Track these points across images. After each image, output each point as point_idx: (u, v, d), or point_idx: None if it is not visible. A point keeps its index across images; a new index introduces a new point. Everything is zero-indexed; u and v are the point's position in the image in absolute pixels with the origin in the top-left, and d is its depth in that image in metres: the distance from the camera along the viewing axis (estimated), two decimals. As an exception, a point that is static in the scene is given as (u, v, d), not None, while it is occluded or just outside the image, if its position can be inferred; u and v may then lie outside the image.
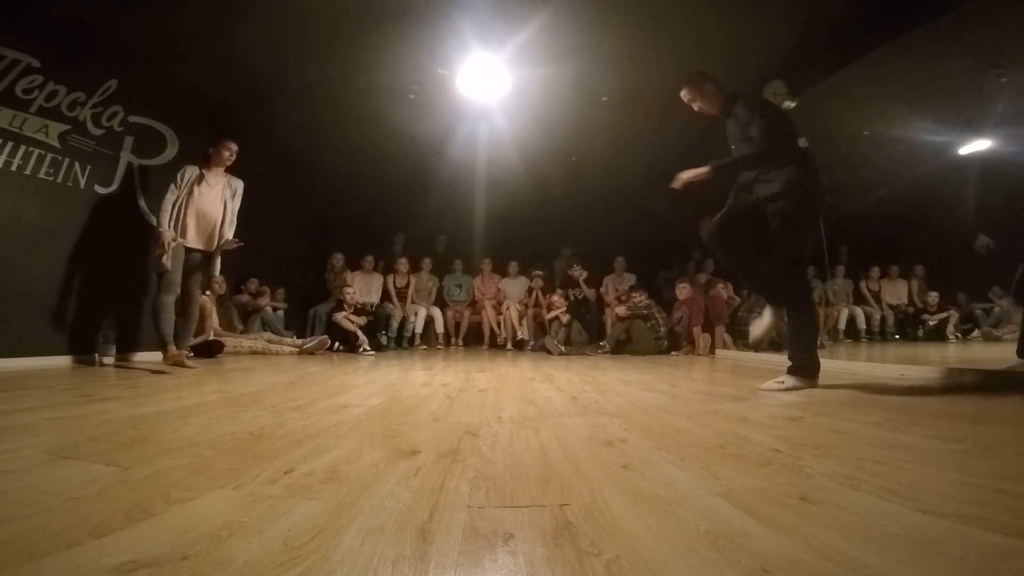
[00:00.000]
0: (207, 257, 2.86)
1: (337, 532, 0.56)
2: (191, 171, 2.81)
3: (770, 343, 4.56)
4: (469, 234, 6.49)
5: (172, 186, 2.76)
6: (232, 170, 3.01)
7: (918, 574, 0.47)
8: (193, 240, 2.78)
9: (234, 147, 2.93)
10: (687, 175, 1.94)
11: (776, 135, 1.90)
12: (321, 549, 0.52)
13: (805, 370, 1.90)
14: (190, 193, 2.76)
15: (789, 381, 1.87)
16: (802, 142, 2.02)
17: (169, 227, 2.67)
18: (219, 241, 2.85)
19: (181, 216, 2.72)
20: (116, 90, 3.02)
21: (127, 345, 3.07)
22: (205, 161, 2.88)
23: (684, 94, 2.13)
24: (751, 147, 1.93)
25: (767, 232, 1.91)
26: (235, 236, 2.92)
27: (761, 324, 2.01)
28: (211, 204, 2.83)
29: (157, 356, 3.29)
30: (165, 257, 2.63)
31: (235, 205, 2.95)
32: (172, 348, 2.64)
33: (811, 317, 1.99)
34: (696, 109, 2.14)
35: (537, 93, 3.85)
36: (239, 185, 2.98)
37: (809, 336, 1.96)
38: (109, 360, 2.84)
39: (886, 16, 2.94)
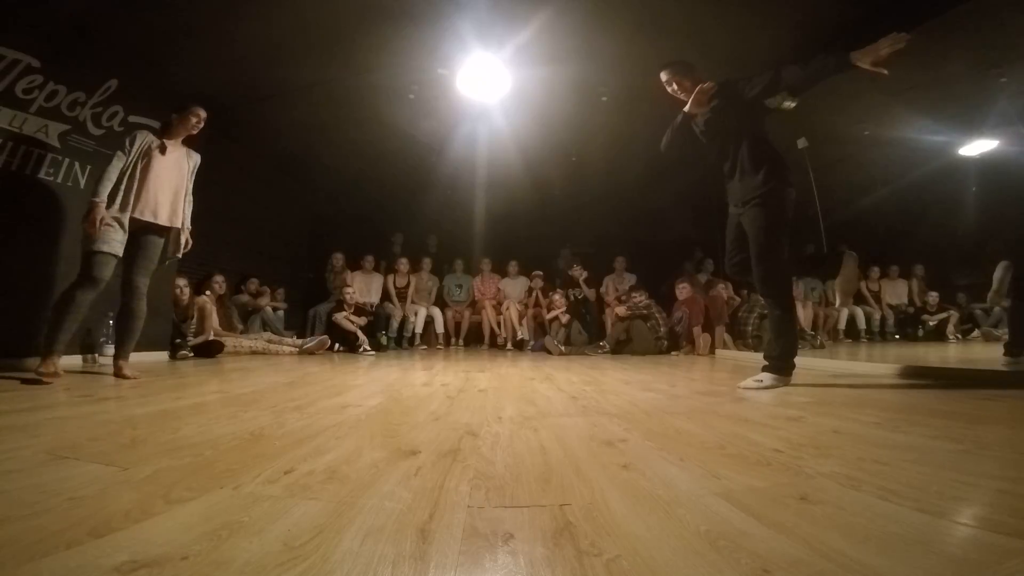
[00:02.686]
0: (165, 236, 2.46)
1: (337, 532, 0.56)
2: (145, 137, 2.38)
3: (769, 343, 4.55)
4: (469, 234, 6.50)
5: (119, 152, 2.30)
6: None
7: (918, 574, 0.47)
8: (148, 213, 2.35)
9: (203, 114, 2.52)
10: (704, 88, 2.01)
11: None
12: (321, 549, 0.52)
13: (783, 368, 1.94)
14: (147, 162, 2.35)
15: (767, 379, 1.91)
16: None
17: (105, 199, 2.22)
18: (182, 218, 2.48)
19: (133, 187, 2.29)
20: (116, 90, 3.02)
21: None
22: (166, 129, 2.49)
23: (664, 75, 2.15)
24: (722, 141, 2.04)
25: (747, 237, 2.01)
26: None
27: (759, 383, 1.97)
28: (171, 173, 2.44)
29: (159, 356, 3.31)
30: (114, 240, 2.22)
31: (191, 183, 2.56)
32: (55, 359, 2.11)
33: (792, 316, 2.04)
34: (671, 91, 2.16)
35: (537, 93, 3.85)
36: (197, 159, 2.59)
37: (791, 336, 2.00)
38: (108, 360, 2.84)
39: (886, 16, 2.94)
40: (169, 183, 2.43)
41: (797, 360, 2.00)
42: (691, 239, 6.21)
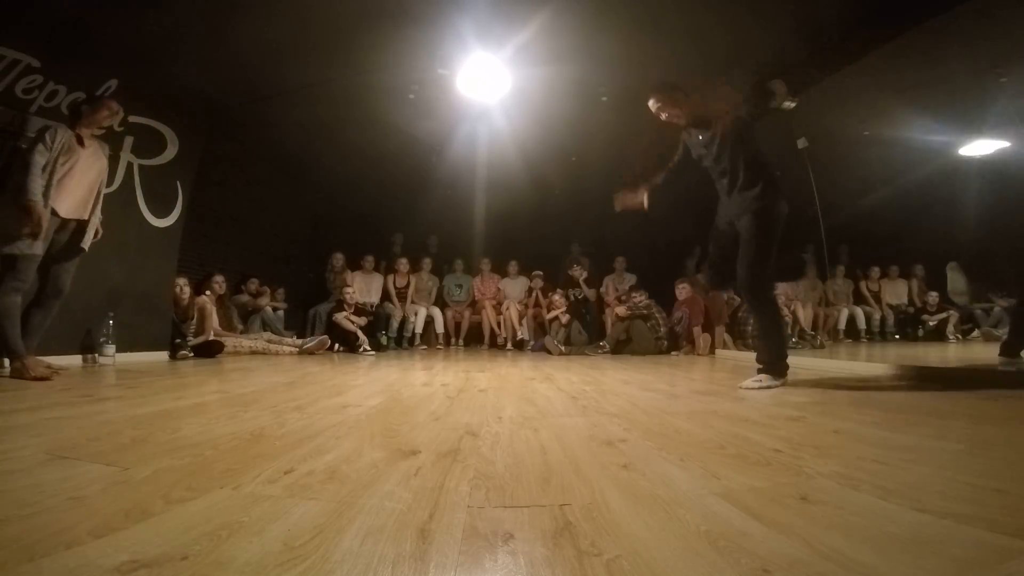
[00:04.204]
0: (79, 229, 2.41)
1: (337, 532, 0.56)
2: (64, 133, 2.31)
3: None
4: (469, 234, 6.49)
5: (40, 146, 2.23)
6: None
7: (918, 574, 0.47)
8: (70, 210, 2.33)
9: (116, 107, 2.48)
10: (628, 201, 2.21)
11: (750, 162, 2.04)
12: (321, 549, 0.52)
13: (776, 369, 1.98)
14: (68, 157, 2.30)
15: (766, 380, 1.95)
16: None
17: (41, 198, 2.17)
18: (93, 213, 2.45)
19: (53, 184, 2.23)
20: (116, 90, 3.02)
21: (126, 345, 3.07)
22: (76, 121, 2.41)
23: (652, 103, 2.19)
24: (717, 165, 2.10)
25: (738, 246, 2.06)
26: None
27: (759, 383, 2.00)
28: (90, 168, 2.41)
29: (159, 356, 3.31)
30: (41, 237, 2.15)
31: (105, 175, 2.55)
32: (30, 358, 2.13)
33: (777, 319, 2.11)
34: (664, 118, 2.20)
35: (537, 93, 3.84)
36: (106, 151, 2.57)
37: (778, 338, 2.05)
38: (108, 360, 2.84)
39: (886, 16, 2.94)
40: (88, 178, 2.39)
41: (796, 360, 2.02)
42: (691, 239, 6.20)
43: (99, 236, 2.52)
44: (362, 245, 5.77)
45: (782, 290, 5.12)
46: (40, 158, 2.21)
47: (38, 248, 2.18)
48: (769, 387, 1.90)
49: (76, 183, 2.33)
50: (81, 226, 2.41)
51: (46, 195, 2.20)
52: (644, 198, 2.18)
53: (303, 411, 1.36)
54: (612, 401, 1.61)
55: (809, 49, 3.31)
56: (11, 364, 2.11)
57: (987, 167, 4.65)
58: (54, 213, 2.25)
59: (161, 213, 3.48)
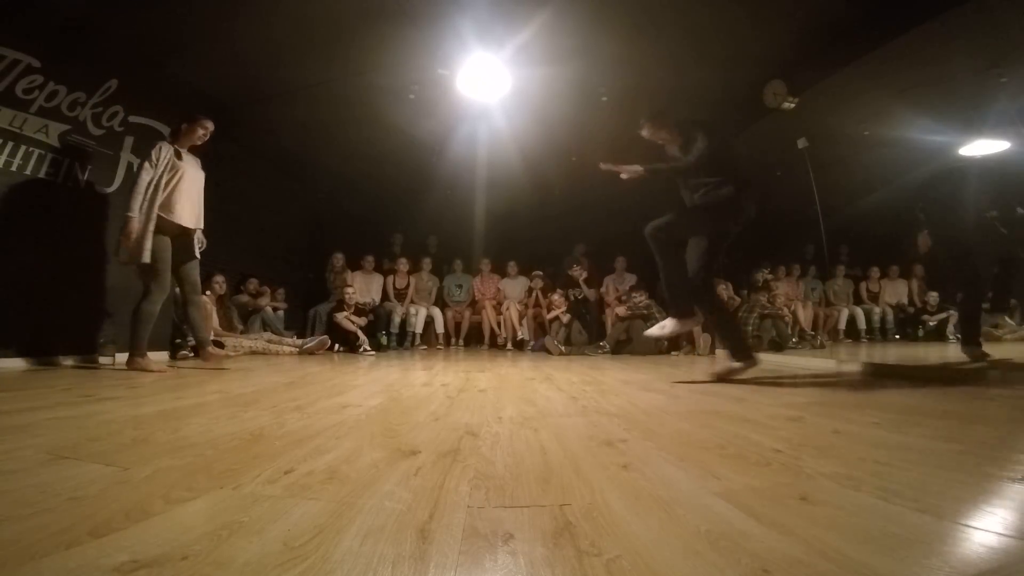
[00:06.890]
0: (190, 237, 2.70)
1: (337, 532, 0.56)
2: (169, 149, 2.57)
3: (770, 343, 4.56)
4: (469, 234, 6.48)
5: (147, 164, 2.48)
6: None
7: (918, 574, 0.47)
8: (189, 220, 2.63)
9: (210, 126, 2.72)
10: (622, 168, 2.31)
11: (713, 159, 2.18)
12: (321, 549, 0.52)
13: (740, 354, 2.20)
14: (173, 171, 2.55)
15: (727, 364, 2.22)
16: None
17: (140, 214, 2.43)
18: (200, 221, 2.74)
19: (171, 195, 2.53)
20: (116, 90, 3.02)
21: (126, 345, 3.06)
22: (175, 138, 2.68)
23: (645, 132, 2.36)
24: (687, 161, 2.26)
25: (692, 239, 2.28)
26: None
27: (661, 329, 2.34)
28: (196, 179, 2.69)
29: (159, 357, 3.30)
30: (145, 250, 2.41)
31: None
32: (147, 355, 2.52)
33: (725, 312, 2.38)
34: (645, 136, 2.38)
35: (537, 93, 3.84)
36: (199, 164, 2.81)
37: (732, 326, 2.34)
38: (109, 360, 2.84)
39: (886, 16, 2.94)
40: (196, 188, 2.70)
41: (797, 360, 2.05)
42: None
43: (204, 246, 2.78)
44: (362, 245, 5.77)
45: (782, 290, 5.13)
46: (146, 175, 2.47)
47: (147, 257, 2.43)
48: (735, 370, 2.17)
49: (186, 195, 2.61)
50: (190, 234, 2.68)
51: (149, 210, 2.45)
52: (625, 171, 2.33)
53: (303, 411, 1.36)
54: (612, 401, 1.61)
55: (809, 49, 3.32)
56: (135, 359, 2.50)
57: (987, 167, 4.64)
58: (174, 223, 2.55)
59: (161, 213, 3.48)
